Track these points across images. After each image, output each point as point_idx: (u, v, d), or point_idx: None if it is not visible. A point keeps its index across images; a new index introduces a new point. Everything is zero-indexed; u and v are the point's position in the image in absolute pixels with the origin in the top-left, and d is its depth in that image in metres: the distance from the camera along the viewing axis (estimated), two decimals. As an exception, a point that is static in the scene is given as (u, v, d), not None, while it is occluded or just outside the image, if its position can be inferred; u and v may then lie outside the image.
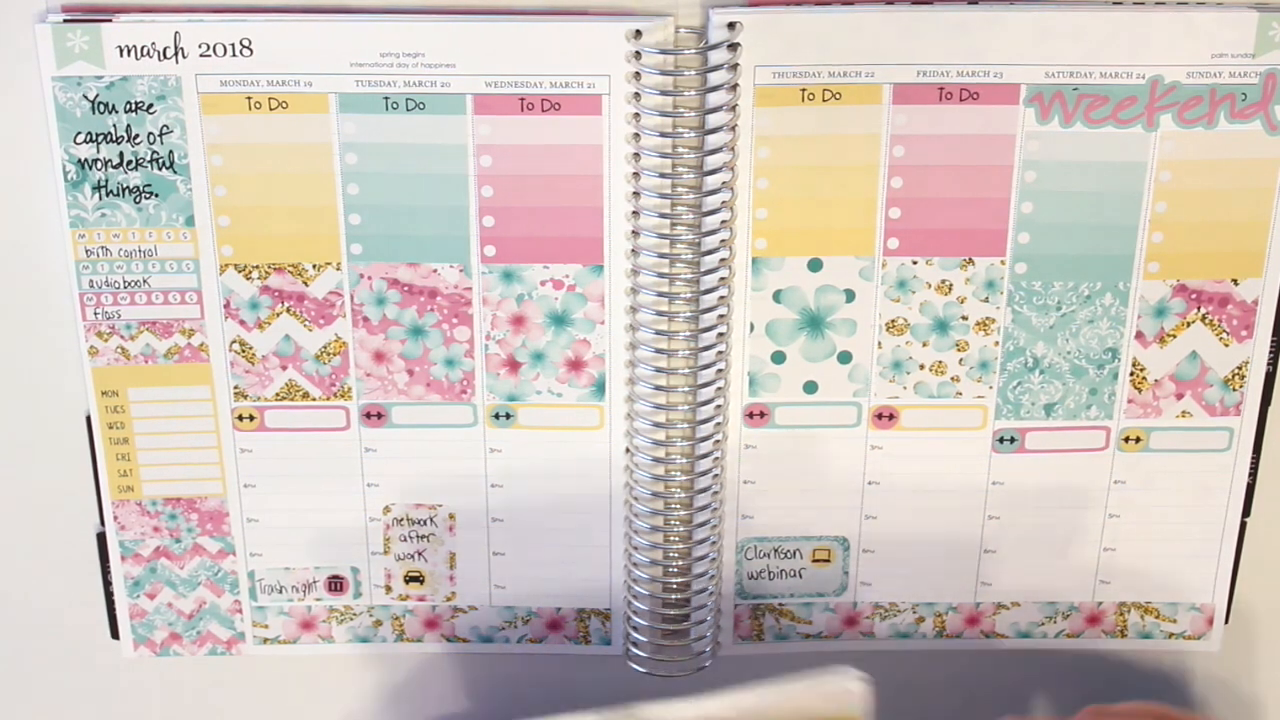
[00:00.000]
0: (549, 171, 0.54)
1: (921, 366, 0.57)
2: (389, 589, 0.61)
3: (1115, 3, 0.52)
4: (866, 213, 0.55)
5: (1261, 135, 0.54)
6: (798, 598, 0.61)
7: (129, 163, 0.54)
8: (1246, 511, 0.60)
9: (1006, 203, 0.55)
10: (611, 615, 0.62)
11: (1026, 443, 0.59)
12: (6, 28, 0.52)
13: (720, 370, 0.57)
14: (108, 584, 0.61)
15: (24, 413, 0.59)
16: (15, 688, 0.64)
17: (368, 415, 0.58)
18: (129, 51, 0.52)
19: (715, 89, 0.53)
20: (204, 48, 0.52)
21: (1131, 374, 0.57)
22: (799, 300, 0.56)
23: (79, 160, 0.54)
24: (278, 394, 0.58)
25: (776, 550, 0.60)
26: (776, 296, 0.56)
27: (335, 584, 0.61)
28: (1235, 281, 0.56)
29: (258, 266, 0.56)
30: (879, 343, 0.57)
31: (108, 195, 0.54)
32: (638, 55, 0.52)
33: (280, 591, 0.61)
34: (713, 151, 0.53)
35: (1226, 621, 0.62)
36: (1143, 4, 0.53)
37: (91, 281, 0.56)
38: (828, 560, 0.61)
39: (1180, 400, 0.58)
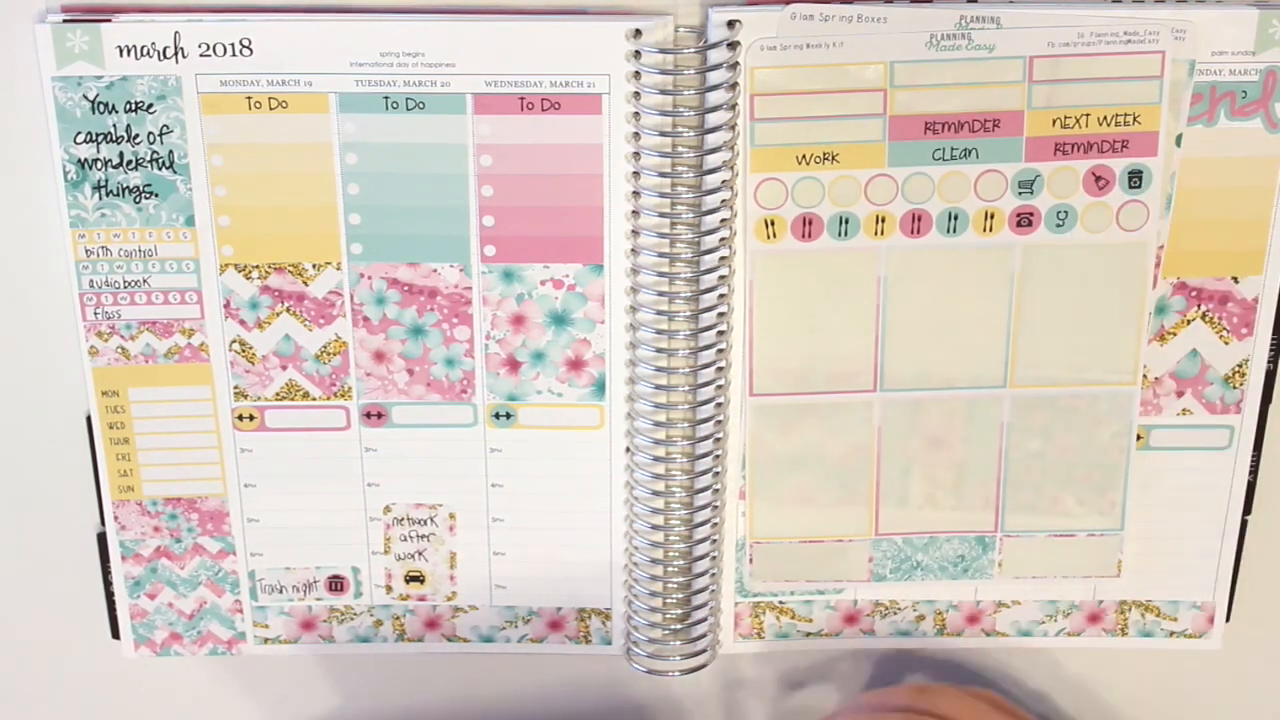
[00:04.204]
0: (549, 171, 0.54)
1: None
2: (389, 589, 0.61)
3: (1116, 1, 0.53)
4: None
5: (1262, 133, 0.54)
6: (798, 595, 0.61)
7: (129, 163, 0.54)
8: (1247, 509, 0.60)
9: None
10: (611, 615, 0.62)
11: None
12: (6, 28, 0.52)
13: (720, 369, 0.57)
14: (108, 584, 0.61)
15: (24, 413, 0.59)
16: (15, 688, 0.64)
17: (368, 415, 0.58)
18: (129, 51, 0.52)
19: (715, 88, 0.53)
20: (204, 48, 0.52)
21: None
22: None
23: (79, 160, 0.54)
24: (278, 394, 0.58)
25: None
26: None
27: (335, 584, 0.61)
28: (1235, 279, 0.56)
29: (258, 266, 0.56)
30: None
31: (108, 195, 0.54)
32: (637, 55, 0.53)
33: (281, 591, 0.61)
34: (712, 151, 0.53)
35: (1228, 620, 0.62)
36: (1142, 3, 0.53)
37: (91, 281, 0.56)
38: (828, 559, 0.61)
39: (1181, 398, 0.58)
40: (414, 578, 0.61)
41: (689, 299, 0.56)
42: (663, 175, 0.54)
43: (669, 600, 0.60)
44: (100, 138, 0.53)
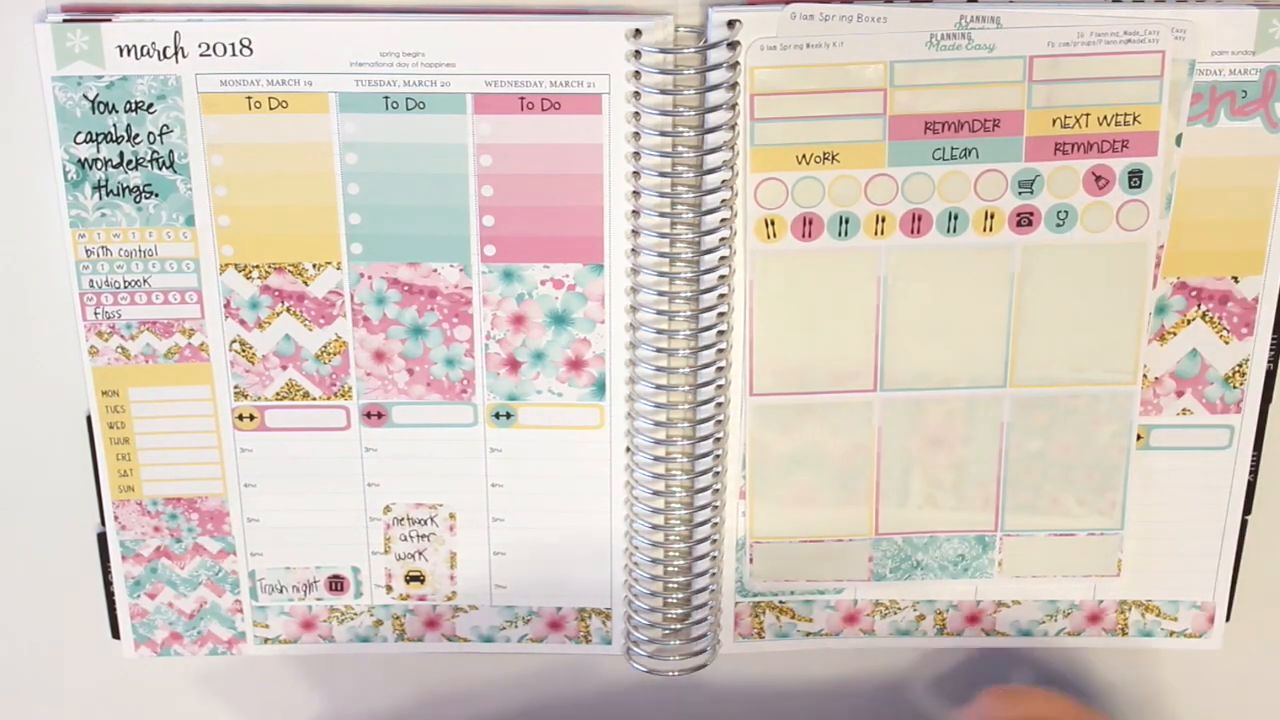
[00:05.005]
0: (549, 171, 0.54)
1: None
2: (389, 589, 0.61)
3: (1115, 1, 0.53)
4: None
5: (1262, 133, 0.54)
6: (798, 595, 0.61)
7: (129, 162, 0.54)
8: (1247, 509, 0.60)
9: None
10: (611, 615, 0.62)
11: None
12: (6, 28, 0.52)
13: (720, 369, 0.57)
14: (108, 584, 0.61)
15: (24, 413, 0.59)
16: (15, 688, 0.64)
17: (368, 415, 0.58)
18: (129, 51, 0.52)
19: (715, 88, 0.53)
20: (204, 47, 0.52)
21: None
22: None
23: (79, 160, 0.54)
24: (278, 394, 0.58)
25: (777, 549, 0.60)
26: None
27: (336, 584, 0.61)
28: (1235, 279, 0.56)
29: (258, 266, 0.56)
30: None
31: (108, 195, 0.54)
32: (637, 54, 0.53)
33: (281, 591, 0.61)
34: (712, 151, 0.53)
35: (1228, 620, 0.62)
36: (1142, 3, 0.53)
37: (91, 281, 0.56)
38: (828, 558, 0.61)
39: (1181, 398, 0.58)
40: (414, 578, 0.61)
41: (689, 299, 0.56)
42: (663, 175, 0.54)
43: (669, 600, 0.60)
44: (100, 138, 0.53)
